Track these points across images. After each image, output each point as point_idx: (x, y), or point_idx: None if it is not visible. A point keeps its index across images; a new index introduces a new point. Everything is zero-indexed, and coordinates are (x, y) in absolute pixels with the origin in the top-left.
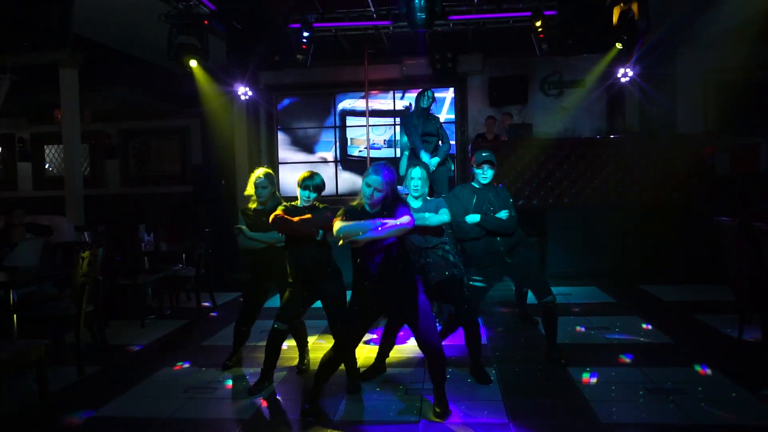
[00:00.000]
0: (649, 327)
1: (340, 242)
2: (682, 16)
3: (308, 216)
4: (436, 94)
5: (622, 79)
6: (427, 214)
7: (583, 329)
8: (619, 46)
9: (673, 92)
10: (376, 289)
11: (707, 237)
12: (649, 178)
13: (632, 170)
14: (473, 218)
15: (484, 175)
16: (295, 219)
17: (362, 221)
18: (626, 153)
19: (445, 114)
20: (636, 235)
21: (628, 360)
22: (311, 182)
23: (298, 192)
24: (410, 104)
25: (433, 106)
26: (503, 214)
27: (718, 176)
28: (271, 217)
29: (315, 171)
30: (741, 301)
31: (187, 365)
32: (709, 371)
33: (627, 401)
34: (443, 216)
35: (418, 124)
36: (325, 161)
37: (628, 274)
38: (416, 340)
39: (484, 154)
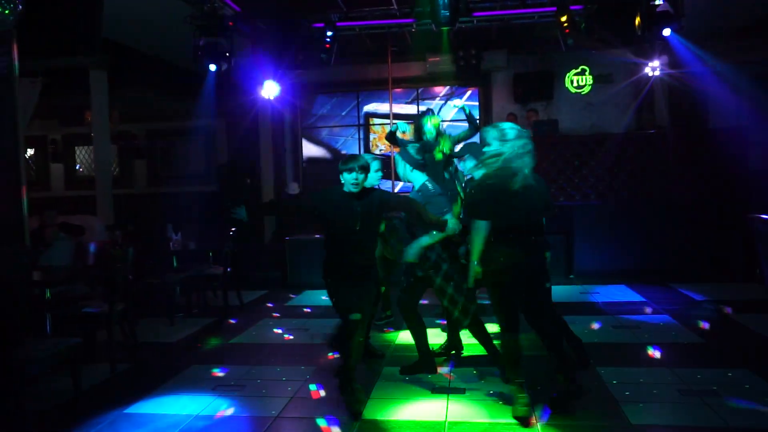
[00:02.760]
0: (680, 326)
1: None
2: (711, 6)
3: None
4: (464, 102)
5: (651, 73)
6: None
7: (611, 328)
8: (647, 38)
9: (704, 85)
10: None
11: (740, 234)
12: (678, 174)
13: (661, 166)
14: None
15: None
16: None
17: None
18: (655, 149)
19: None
20: (666, 232)
21: (658, 360)
22: (356, 163)
23: (342, 177)
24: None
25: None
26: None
27: (752, 172)
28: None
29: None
30: None
31: (215, 363)
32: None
33: (657, 402)
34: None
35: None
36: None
37: (657, 272)
38: None
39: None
